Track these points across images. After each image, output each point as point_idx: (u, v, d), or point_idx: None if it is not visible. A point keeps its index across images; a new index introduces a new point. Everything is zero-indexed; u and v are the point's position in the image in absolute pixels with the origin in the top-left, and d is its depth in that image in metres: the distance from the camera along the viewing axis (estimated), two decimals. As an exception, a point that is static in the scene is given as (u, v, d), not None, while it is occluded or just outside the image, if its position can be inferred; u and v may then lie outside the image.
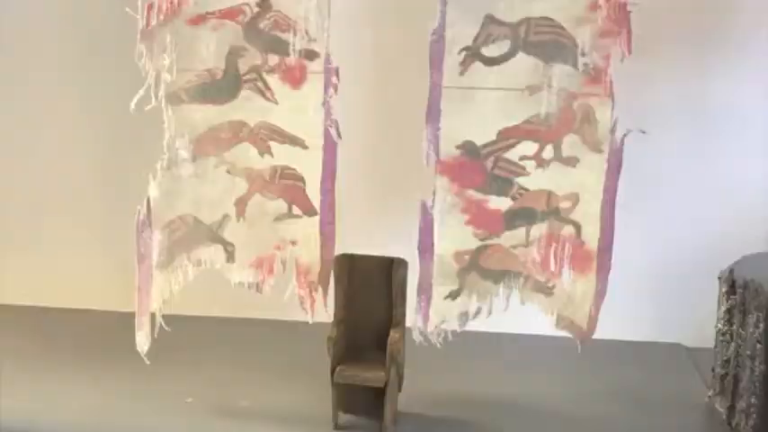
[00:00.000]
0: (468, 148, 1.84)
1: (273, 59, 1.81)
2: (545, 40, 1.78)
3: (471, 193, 1.85)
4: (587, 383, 2.22)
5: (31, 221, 2.29)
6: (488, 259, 1.90)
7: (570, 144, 1.83)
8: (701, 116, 2.13)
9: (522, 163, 1.84)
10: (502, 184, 1.86)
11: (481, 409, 2.10)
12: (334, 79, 1.80)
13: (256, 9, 1.77)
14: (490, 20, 1.77)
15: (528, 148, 1.84)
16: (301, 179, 1.89)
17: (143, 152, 1.87)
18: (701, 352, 2.24)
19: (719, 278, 1.98)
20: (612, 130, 1.80)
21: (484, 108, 1.81)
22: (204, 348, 2.27)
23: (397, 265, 1.90)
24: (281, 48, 1.80)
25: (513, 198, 1.86)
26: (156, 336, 1.93)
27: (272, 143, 1.87)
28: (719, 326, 2.01)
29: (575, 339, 1.95)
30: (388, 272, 1.91)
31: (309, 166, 1.88)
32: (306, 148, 1.86)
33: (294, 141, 1.85)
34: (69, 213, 2.27)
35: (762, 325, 1.88)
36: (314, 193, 1.90)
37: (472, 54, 1.79)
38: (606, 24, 1.73)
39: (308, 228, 1.92)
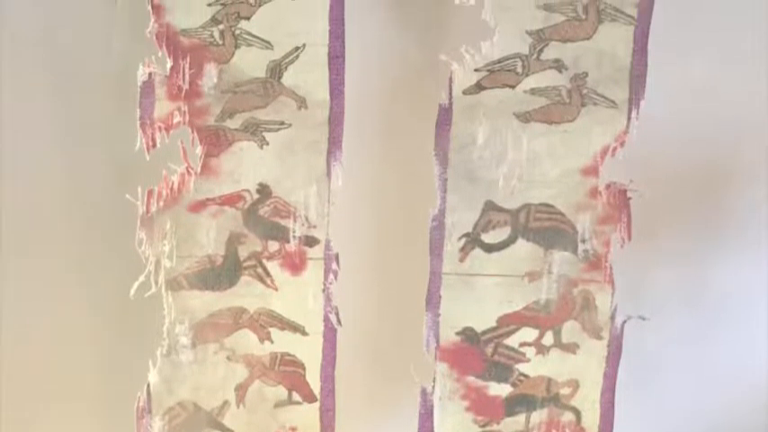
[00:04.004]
0: (468, 335, 1.73)
1: (273, 246, 1.70)
2: (545, 227, 1.68)
3: (471, 379, 1.74)
4: None
5: (28, 407, 2.13)
6: (488, 445, 1.81)
7: (570, 330, 1.72)
8: (700, 302, 2.00)
9: (522, 349, 1.73)
10: (502, 371, 1.74)
11: None
12: (334, 266, 1.70)
13: (256, 195, 1.66)
14: (490, 206, 1.67)
15: (528, 334, 1.72)
16: (301, 365, 1.76)
17: (143, 338, 1.76)
18: None
19: (720, 464, 1.88)
20: (612, 317, 1.70)
21: (484, 294, 1.71)
22: None
23: (397, 451, 1.78)
24: (281, 234, 1.69)
25: (514, 384, 1.74)
26: None
27: (271, 329, 1.75)
28: None
29: None
30: (388, 459, 1.80)
31: (309, 352, 1.76)
32: (306, 334, 1.74)
33: (294, 328, 1.74)
34: (68, 399, 2.11)
35: None
36: (314, 379, 1.78)
37: (472, 240, 1.69)
38: (606, 211, 1.64)
39: (308, 414, 1.79)
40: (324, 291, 1.70)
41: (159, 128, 1.60)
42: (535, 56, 1.57)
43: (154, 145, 1.60)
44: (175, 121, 1.59)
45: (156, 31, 1.55)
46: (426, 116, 1.61)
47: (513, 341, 1.72)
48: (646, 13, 1.54)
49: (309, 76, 1.59)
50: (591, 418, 1.76)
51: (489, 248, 1.68)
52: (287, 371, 1.77)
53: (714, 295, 2.00)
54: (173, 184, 1.63)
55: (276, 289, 1.71)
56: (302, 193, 1.66)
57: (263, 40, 1.58)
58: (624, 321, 1.69)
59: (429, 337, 1.71)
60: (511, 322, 1.71)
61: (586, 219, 1.64)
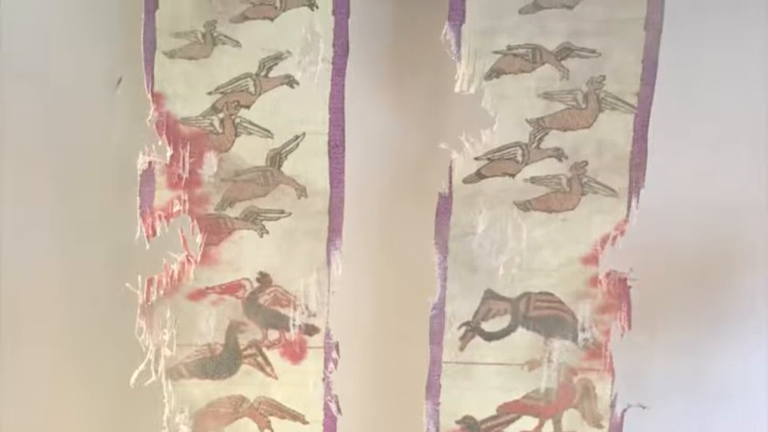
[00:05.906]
0: (469, 423, 1.67)
1: (273, 334, 1.65)
2: (545, 315, 1.63)
3: (471, 466, 1.74)
4: None
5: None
6: None
7: (570, 419, 1.66)
8: (700, 391, 1.94)
9: (522, 438, 1.74)
10: (503, 460, 1.75)
11: None
12: (334, 354, 1.65)
13: (256, 284, 1.62)
14: (490, 295, 1.62)
15: (528, 423, 1.66)
16: (301, 454, 1.77)
17: (143, 427, 1.70)
18: None
19: None
20: (612, 405, 1.64)
21: (484, 383, 1.66)
22: None
23: None
24: (281, 323, 1.65)
25: (514, 471, 1.75)
26: None
27: (272, 418, 1.69)
28: None
29: None
30: None
31: (309, 440, 1.77)
32: (306, 423, 1.68)
33: (294, 416, 1.68)
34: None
35: None
36: (314, 465, 1.79)
37: (472, 329, 1.64)
38: (606, 299, 1.59)
39: (308, 500, 1.80)
40: (324, 379, 1.65)
41: (159, 216, 1.56)
42: (535, 144, 1.53)
43: (154, 233, 1.57)
44: (175, 209, 1.56)
45: (155, 119, 1.52)
46: (426, 204, 1.57)
47: (513, 430, 1.66)
48: (646, 102, 1.51)
49: (309, 165, 1.56)
50: (592, 503, 1.73)
51: (489, 337, 1.63)
52: (287, 458, 1.75)
53: (714, 384, 1.95)
54: (173, 272, 1.59)
55: (276, 378, 1.66)
56: (302, 282, 1.62)
57: (263, 128, 1.54)
58: (624, 410, 1.63)
59: (429, 425, 1.65)
60: (511, 411, 1.66)
61: (586, 307, 1.60)
